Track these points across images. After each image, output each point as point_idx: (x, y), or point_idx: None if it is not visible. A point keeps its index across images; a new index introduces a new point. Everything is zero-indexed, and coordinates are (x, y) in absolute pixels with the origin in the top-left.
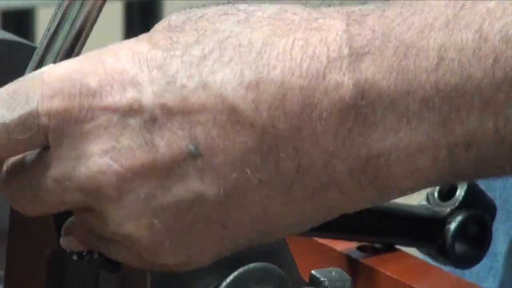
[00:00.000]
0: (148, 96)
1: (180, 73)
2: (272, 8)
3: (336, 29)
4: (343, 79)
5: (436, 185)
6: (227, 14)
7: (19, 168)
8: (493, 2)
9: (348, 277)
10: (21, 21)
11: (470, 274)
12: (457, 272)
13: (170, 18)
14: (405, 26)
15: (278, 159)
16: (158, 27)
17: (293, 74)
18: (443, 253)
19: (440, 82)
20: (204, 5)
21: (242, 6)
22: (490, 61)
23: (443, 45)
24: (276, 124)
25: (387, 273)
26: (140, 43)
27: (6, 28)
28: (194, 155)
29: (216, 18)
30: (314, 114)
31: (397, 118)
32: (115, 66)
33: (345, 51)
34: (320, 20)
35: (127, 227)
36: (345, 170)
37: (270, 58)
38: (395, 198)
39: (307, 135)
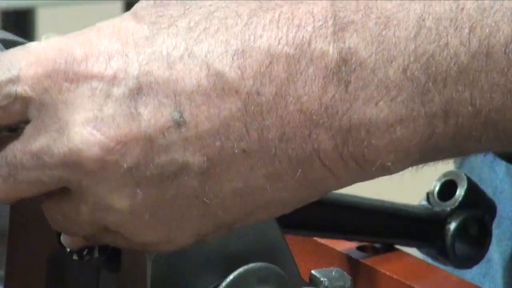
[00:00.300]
0: (133, 65)
1: (166, 43)
2: None
3: (322, 3)
4: (328, 48)
5: (417, 162)
6: None
7: None
8: None
9: (348, 277)
10: (21, 21)
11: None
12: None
13: None
14: None
15: (263, 127)
16: (142, 4)
17: (279, 43)
18: (443, 253)
19: (418, 51)
20: None
21: None
22: (466, 30)
23: (421, 15)
24: (261, 91)
25: (387, 273)
26: (125, 19)
27: (6, 28)
28: (178, 123)
29: None
30: (299, 82)
31: (377, 88)
32: (101, 40)
33: (330, 21)
34: None
35: (108, 199)
36: (328, 140)
37: (256, 28)
38: (378, 175)
39: (291, 102)
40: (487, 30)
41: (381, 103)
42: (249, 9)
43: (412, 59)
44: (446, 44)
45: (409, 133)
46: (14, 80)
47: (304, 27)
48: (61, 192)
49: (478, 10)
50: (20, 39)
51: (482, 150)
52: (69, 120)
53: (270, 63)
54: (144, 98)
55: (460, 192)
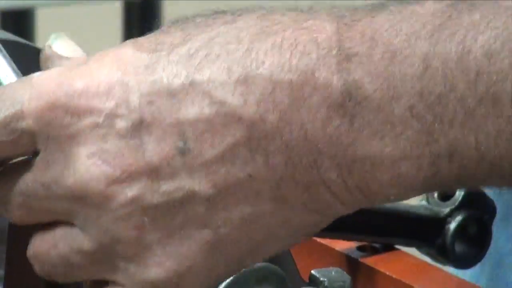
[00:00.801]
0: (134, 95)
1: (166, 71)
2: (260, 10)
3: (326, 31)
4: (332, 78)
5: (421, 193)
6: (214, 18)
7: (9, 173)
8: (477, 14)
9: (347, 276)
10: (21, 21)
11: None
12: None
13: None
14: (393, 32)
15: (268, 152)
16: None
17: (282, 69)
18: (443, 253)
19: (424, 91)
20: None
21: (230, 11)
22: (473, 74)
23: (427, 54)
24: (265, 117)
25: (387, 272)
26: (124, 47)
27: (5, 28)
28: (183, 151)
29: (203, 22)
30: (303, 109)
31: (382, 123)
32: (100, 70)
33: (335, 50)
34: (310, 21)
35: (115, 229)
36: (333, 168)
37: (258, 54)
38: (382, 203)
39: (296, 129)
40: (494, 77)
41: (386, 138)
42: (250, 34)
43: (418, 98)
44: (453, 86)
45: (413, 170)
46: (18, 115)
47: (308, 54)
48: (61, 231)
49: (485, 56)
50: (20, 39)
51: (490, 187)
52: (74, 153)
53: (273, 89)
54: (147, 128)
55: (459, 192)
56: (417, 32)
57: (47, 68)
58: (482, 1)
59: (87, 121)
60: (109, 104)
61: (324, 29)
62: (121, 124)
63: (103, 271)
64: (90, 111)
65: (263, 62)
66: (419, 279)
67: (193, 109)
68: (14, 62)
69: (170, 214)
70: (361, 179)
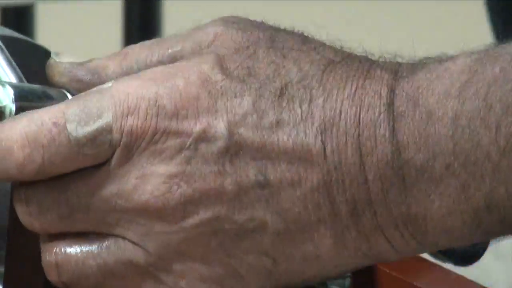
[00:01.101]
0: (223, 124)
1: (255, 106)
2: (342, 53)
3: (387, 84)
4: (387, 136)
5: (472, 242)
6: (300, 50)
7: (58, 184)
8: (498, 67)
9: (347, 274)
10: (21, 17)
11: None
12: None
13: (233, 32)
14: (429, 91)
15: (337, 201)
16: (226, 44)
17: (353, 122)
18: (443, 250)
19: (456, 149)
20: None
21: (314, 43)
22: (494, 129)
23: (456, 113)
24: (338, 168)
25: (387, 270)
26: (210, 68)
27: (5, 24)
28: (262, 185)
29: (293, 53)
30: (367, 166)
31: (427, 182)
32: (189, 91)
33: (391, 107)
34: (378, 71)
35: (180, 246)
36: (391, 221)
37: (337, 102)
38: (437, 250)
39: (361, 182)
40: (510, 128)
41: (432, 196)
42: (333, 80)
43: (452, 157)
44: (479, 144)
45: (459, 224)
46: (107, 129)
47: (373, 108)
48: (104, 242)
49: (503, 109)
50: (19, 35)
51: None
52: (157, 170)
53: (346, 141)
54: (231, 157)
55: None
56: (448, 90)
57: (57, 75)
58: (504, 51)
59: (175, 142)
60: (197, 129)
61: (385, 81)
62: (206, 149)
63: (141, 284)
64: (178, 134)
65: (340, 113)
66: (419, 277)
67: (278, 149)
68: (14, 58)
69: (238, 240)
70: (416, 231)
